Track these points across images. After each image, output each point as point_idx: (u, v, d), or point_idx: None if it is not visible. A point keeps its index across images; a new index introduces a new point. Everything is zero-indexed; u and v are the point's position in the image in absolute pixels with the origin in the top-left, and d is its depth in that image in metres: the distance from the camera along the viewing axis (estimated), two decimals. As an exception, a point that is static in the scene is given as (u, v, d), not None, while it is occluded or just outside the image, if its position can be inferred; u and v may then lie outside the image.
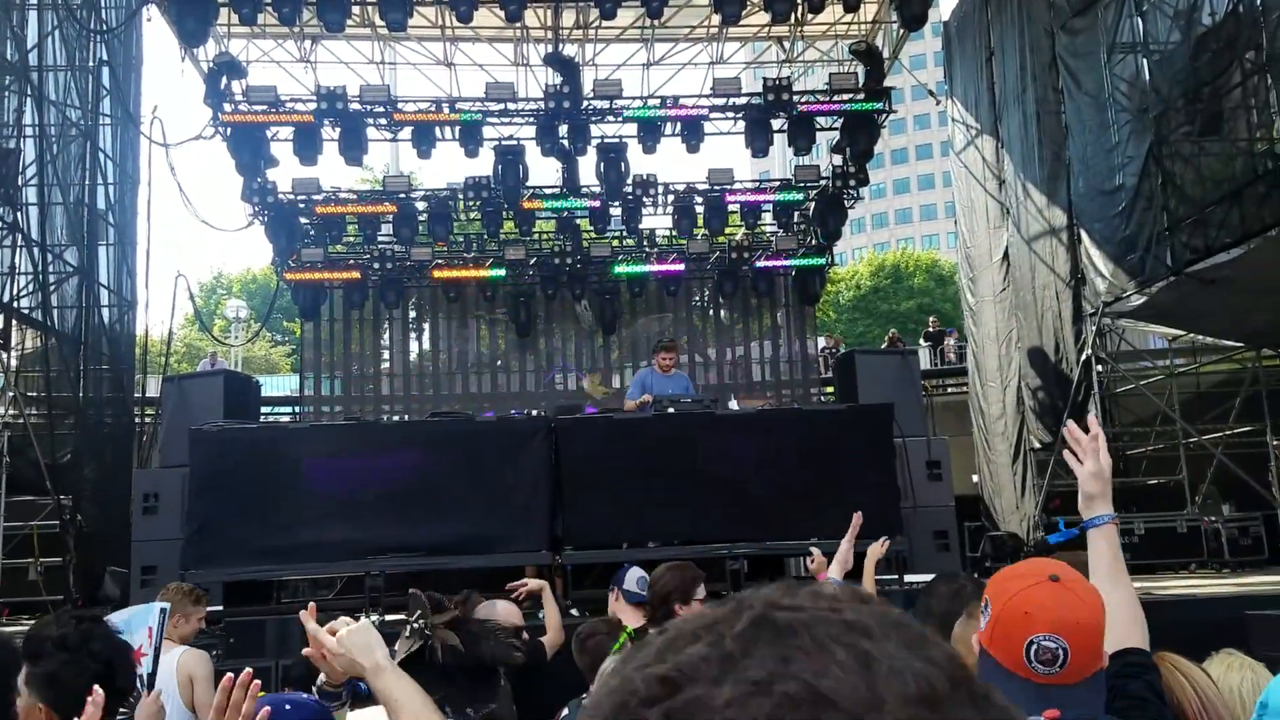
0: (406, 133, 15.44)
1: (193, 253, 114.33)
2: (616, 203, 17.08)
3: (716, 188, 17.06)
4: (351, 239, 18.04)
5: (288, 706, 2.33)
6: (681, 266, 17.76)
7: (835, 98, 15.75)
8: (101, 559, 11.76)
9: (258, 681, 2.02)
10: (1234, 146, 11.38)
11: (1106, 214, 13.02)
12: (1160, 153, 11.65)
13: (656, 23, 16.63)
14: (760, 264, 18.00)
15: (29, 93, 12.55)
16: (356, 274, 17.39)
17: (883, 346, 25.04)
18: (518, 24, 16.23)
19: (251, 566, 8.41)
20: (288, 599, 10.10)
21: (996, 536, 15.69)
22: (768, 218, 18.28)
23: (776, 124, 15.89)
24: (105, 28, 13.84)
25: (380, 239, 17.51)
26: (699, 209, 17.23)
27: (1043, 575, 1.83)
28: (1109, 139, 12.94)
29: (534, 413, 10.28)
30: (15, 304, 12.50)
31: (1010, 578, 1.90)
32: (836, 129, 16.34)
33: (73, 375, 12.91)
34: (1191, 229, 11.21)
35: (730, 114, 15.86)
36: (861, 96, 15.71)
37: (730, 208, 17.43)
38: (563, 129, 15.44)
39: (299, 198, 16.73)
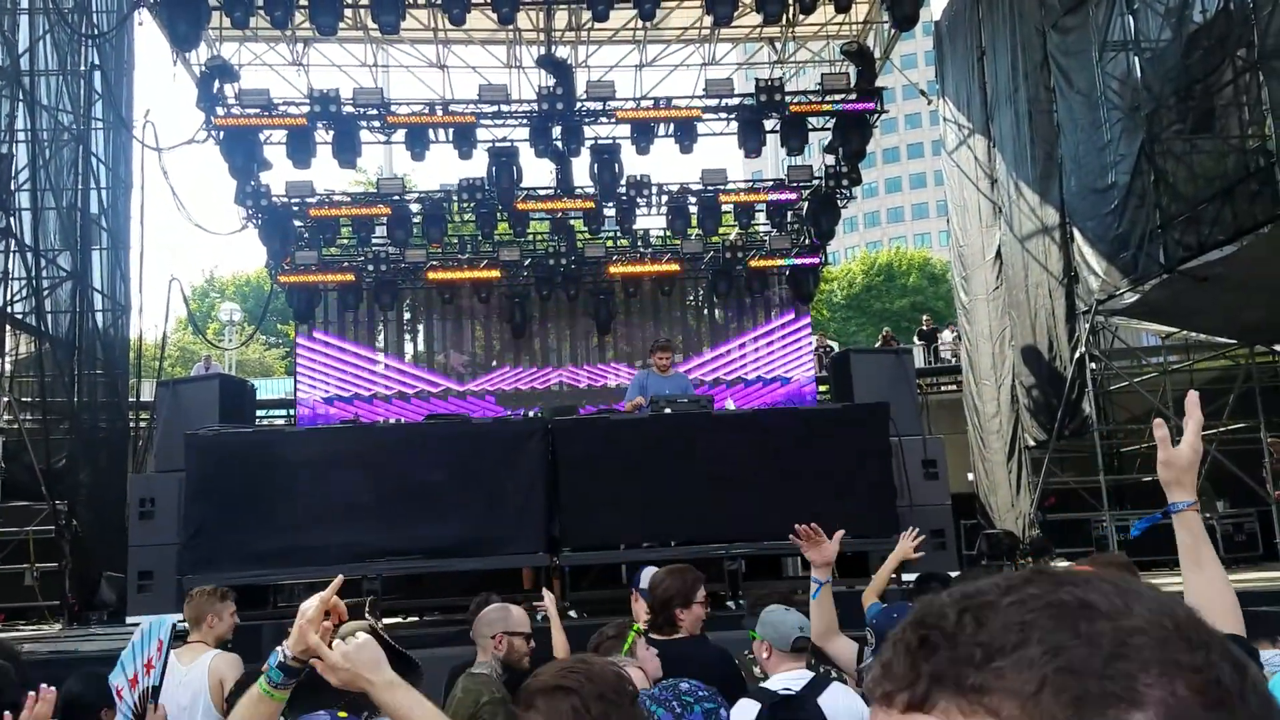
0: (400, 135, 15.44)
1: (185, 256, 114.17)
2: (610, 203, 17.09)
3: (710, 188, 17.08)
4: (345, 241, 18.03)
5: None
6: (676, 266, 17.78)
7: (827, 98, 15.78)
8: (97, 564, 11.75)
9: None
10: (1226, 144, 11.43)
11: (1099, 212, 13.06)
12: (1152, 150, 11.69)
13: (649, 24, 16.64)
14: (754, 263, 18.03)
15: (21, 97, 12.53)
16: (351, 276, 17.38)
17: (877, 345, 25.09)
18: (510, 26, 16.24)
19: (248, 571, 8.40)
20: (284, 603, 10.09)
21: (992, 534, 15.73)
22: (761, 217, 18.32)
23: (769, 124, 15.91)
24: (97, 32, 13.83)
25: (374, 241, 17.50)
26: (693, 209, 17.25)
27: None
28: (1101, 137, 12.98)
29: (531, 414, 10.27)
30: (9, 309, 12.48)
31: None
32: (829, 129, 16.37)
33: (67, 380, 12.90)
34: (1184, 226, 11.25)
35: (723, 115, 15.89)
36: (853, 97, 15.73)
37: (724, 208, 17.45)
38: (556, 130, 15.44)
39: (293, 201, 16.72)
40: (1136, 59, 12.35)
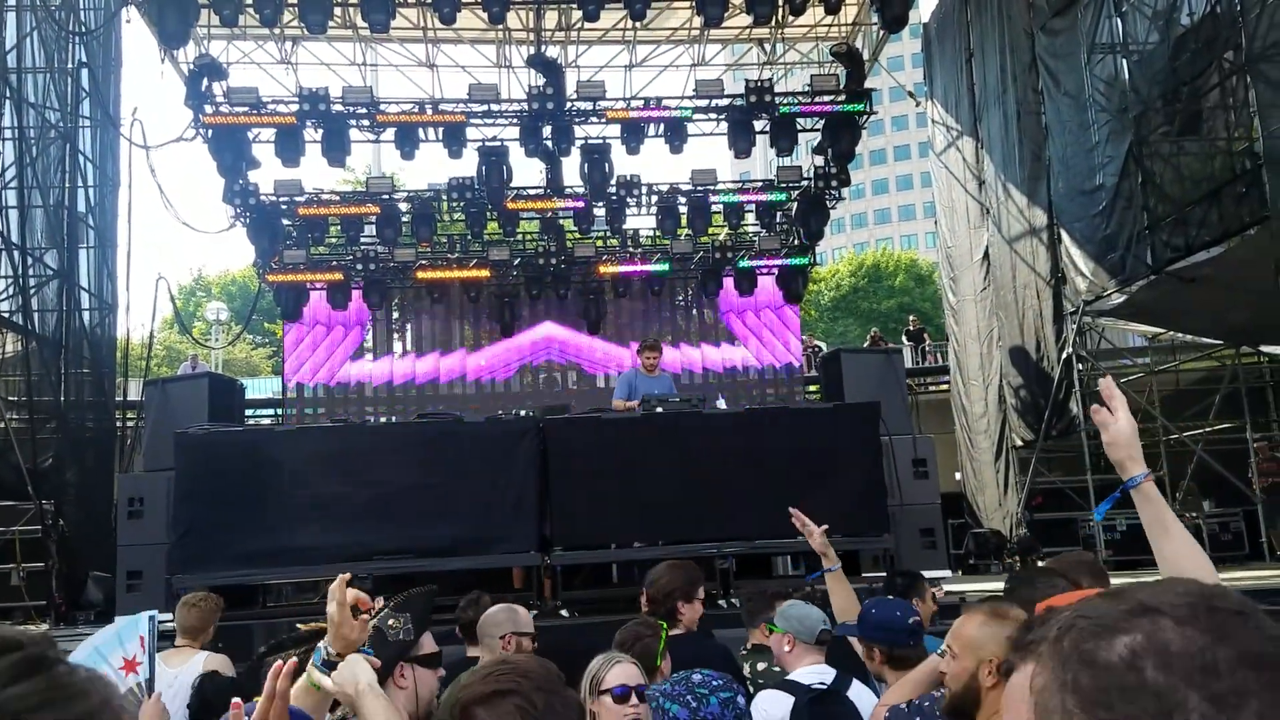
0: (389, 134, 15.40)
1: (171, 255, 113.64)
2: (600, 203, 17.09)
3: (699, 188, 17.10)
4: (334, 240, 17.97)
5: None
6: (666, 266, 17.79)
7: (816, 99, 15.81)
8: (83, 564, 11.69)
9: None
10: (1213, 146, 11.51)
11: (1087, 213, 13.13)
12: (1140, 152, 11.76)
13: (639, 25, 16.66)
14: (743, 264, 18.05)
15: (8, 95, 12.46)
16: (339, 275, 17.32)
17: (865, 345, 25.17)
18: (500, 26, 16.22)
19: (238, 571, 8.36)
20: (273, 603, 10.06)
21: (980, 533, 15.81)
22: (750, 218, 18.34)
23: (758, 125, 15.94)
24: (84, 29, 13.76)
25: (363, 240, 17.45)
26: (682, 209, 17.26)
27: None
28: (1089, 139, 13.05)
29: (522, 413, 10.25)
30: (-4, 308, 12.42)
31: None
32: (818, 130, 16.41)
33: (54, 379, 12.83)
34: (1171, 228, 11.32)
35: (713, 115, 15.91)
36: (842, 98, 15.77)
37: (713, 208, 17.47)
38: (546, 130, 15.44)
39: (281, 199, 16.66)
40: (1124, 61, 12.42)
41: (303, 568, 8.62)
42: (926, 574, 5.97)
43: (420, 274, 17.35)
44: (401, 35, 17.73)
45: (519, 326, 18.31)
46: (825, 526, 4.29)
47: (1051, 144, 14.10)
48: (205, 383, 11.26)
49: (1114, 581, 2.29)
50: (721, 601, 8.24)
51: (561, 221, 17.71)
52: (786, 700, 3.47)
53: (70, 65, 13.78)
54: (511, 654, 2.61)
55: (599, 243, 18.55)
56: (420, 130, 15.32)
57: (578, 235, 18.15)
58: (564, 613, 8.26)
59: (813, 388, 18.64)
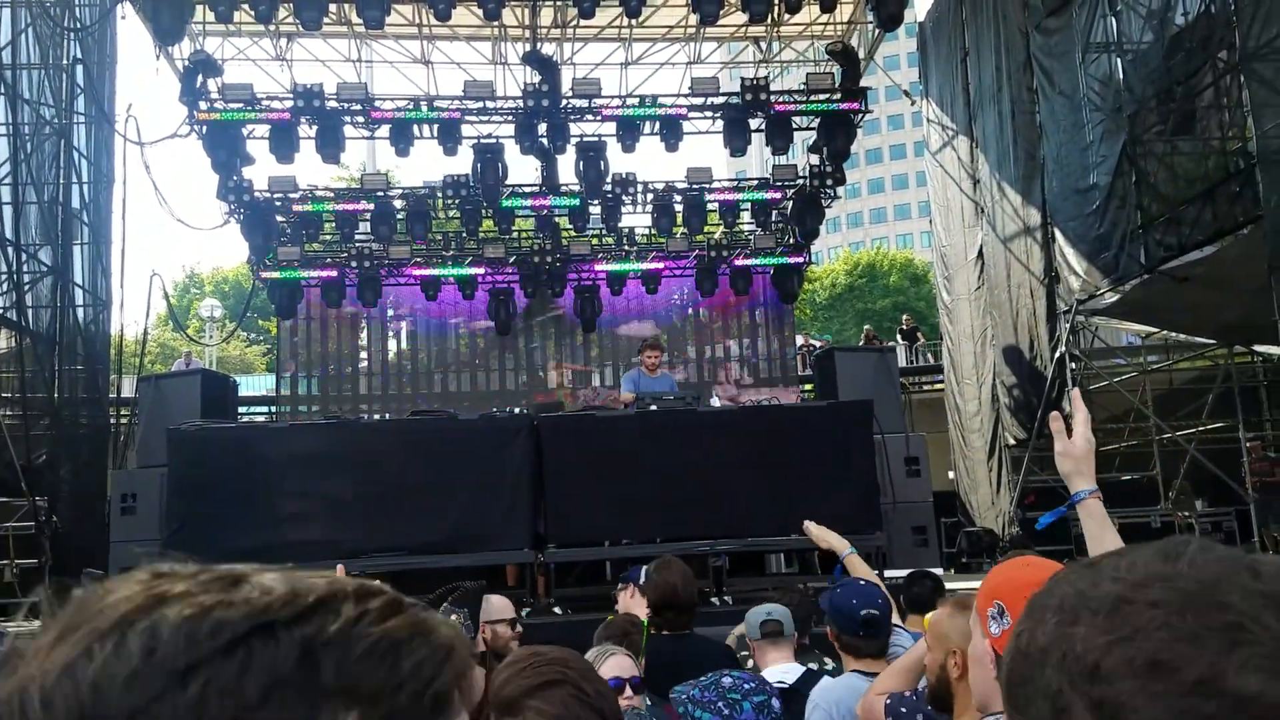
0: (384, 131, 15.38)
1: (164, 252, 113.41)
2: (596, 201, 17.09)
3: (695, 186, 17.10)
4: (329, 237, 17.95)
5: None
6: (661, 265, 17.80)
7: (812, 98, 15.82)
8: (77, 560, 11.66)
9: None
10: (1207, 145, 11.54)
11: (1080, 212, 13.16)
12: (1134, 152, 11.79)
13: (635, 22, 16.65)
14: (739, 262, 18.06)
15: (2, 91, 12.43)
16: (334, 272, 17.30)
17: (860, 344, 25.23)
18: (496, 22, 16.21)
19: (230, 567, 8.36)
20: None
21: (972, 532, 15.83)
22: (746, 216, 18.34)
23: (754, 124, 15.94)
24: (79, 25, 13.73)
25: (358, 237, 17.43)
26: (678, 208, 17.25)
27: (1051, 570, 1.81)
28: (1083, 138, 13.07)
29: (516, 411, 10.26)
30: (-11, 304, 12.41)
31: (1024, 583, 1.84)
32: (813, 129, 16.42)
33: (47, 375, 12.81)
34: (1164, 227, 11.35)
35: (708, 113, 15.91)
36: (838, 97, 15.78)
37: (709, 206, 17.47)
38: (542, 127, 15.42)
39: (275, 196, 16.63)
40: (1119, 60, 12.45)
41: (295, 564, 8.59)
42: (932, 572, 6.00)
43: (415, 271, 17.34)
44: (396, 32, 17.70)
45: (514, 325, 18.30)
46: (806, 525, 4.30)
47: (1046, 143, 14.12)
48: (198, 379, 11.28)
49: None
50: (715, 599, 8.26)
51: (557, 219, 17.70)
52: None
53: (65, 61, 13.76)
54: (536, 646, 2.59)
55: (594, 241, 18.54)
56: (415, 127, 15.30)
57: (573, 233, 18.14)
58: (557, 610, 8.27)
59: (807, 386, 18.66)
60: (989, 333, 16.30)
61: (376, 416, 17.43)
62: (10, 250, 12.32)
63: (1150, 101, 11.69)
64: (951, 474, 17.91)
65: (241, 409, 17.16)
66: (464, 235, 18.27)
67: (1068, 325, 13.84)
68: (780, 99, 15.78)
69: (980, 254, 16.47)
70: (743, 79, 16.07)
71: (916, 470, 9.77)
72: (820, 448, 8.93)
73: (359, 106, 15.11)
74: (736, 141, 15.76)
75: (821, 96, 15.72)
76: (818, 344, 23.53)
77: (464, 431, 9.14)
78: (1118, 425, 15.57)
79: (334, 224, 17.28)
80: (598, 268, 17.73)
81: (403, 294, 18.49)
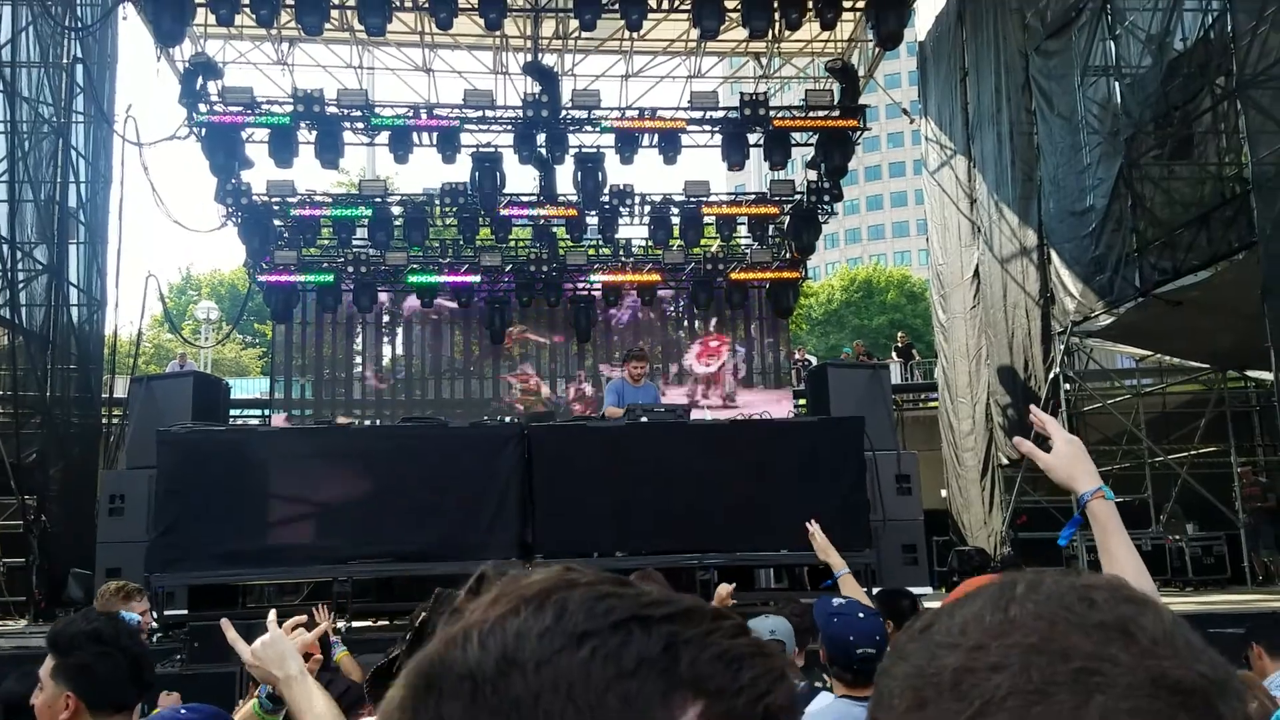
0: (383, 137, 15.40)
1: (160, 254, 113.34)
2: (593, 212, 17.11)
3: (692, 199, 17.13)
4: (326, 242, 17.96)
5: (182, 711, 2.54)
6: (657, 277, 17.82)
7: (810, 114, 15.86)
8: (66, 560, 11.62)
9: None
10: (1203, 170, 11.57)
11: (1076, 235, 13.18)
12: (1130, 175, 11.81)
13: (635, 35, 16.70)
14: (734, 276, 18.09)
15: (1, 88, 12.43)
16: (330, 277, 17.30)
17: (843, 357, 25.30)
18: (497, 32, 16.25)
19: (218, 570, 8.34)
20: (253, 603, 10.02)
21: (964, 551, 15.73)
22: (743, 230, 18.37)
23: (753, 138, 15.98)
24: (80, 25, 13.73)
25: (355, 243, 17.44)
26: (675, 220, 17.29)
27: None
28: (1080, 161, 13.10)
29: (507, 419, 10.25)
30: (-17, 301, 12.38)
31: None
32: (811, 144, 16.46)
33: (40, 374, 12.77)
34: (1160, 251, 11.37)
35: (707, 127, 15.94)
36: (837, 114, 15.82)
37: (706, 220, 17.50)
38: (541, 137, 15.45)
39: (273, 200, 16.64)
40: (1117, 84, 12.49)
41: (283, 568, 8.60)
42: (910, 591, 5.98)
43: (411, 278, 17.34)
44: (398, 39, 17.74)
45: (509, 333, 18.31)
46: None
47: (1043, 165, 14.15)
48: (190, 381, 11.26)
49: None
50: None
51: (554, 229, 17.72)
52: None
53: (65, 60, 13.76)
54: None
55: (591, 251, 18.56)
56: (414, 134, 15.33)
57: (570, 243, 18.17)
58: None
59: (800, 401, 18.65)
60: (984, 352, 16.31)
61: (369, 422, 17.41)
62: (5, 248, 12.30)
63: (1148, 125, 11.72)
64: (944, 492, 17.89)
65: (235, 412, 17.15)
66: (461, 243, 18.28)
67: (1062, 347, 13.85)
68: (779, 114, 15.82)
69: (976, 273, 16.49)
70: (742, 94, 16.12)
71: (908, 488, 9.75)
72: (811, 463, 8.92)
73: (359, 112, 15.13)
74: (735, 156, 15.80)
75: (820, 113, 15.77)
76: (813, 360, 23.55)
77: (454, 439, 9.12)
78: (1110, 448, 15.57)
79: (331, 229, 17.29)
80: (594, 278, 17.74)
81: (398, 300, 18.50)
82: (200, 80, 14.61)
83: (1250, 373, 15.33)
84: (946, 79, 17.50)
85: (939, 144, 18.00)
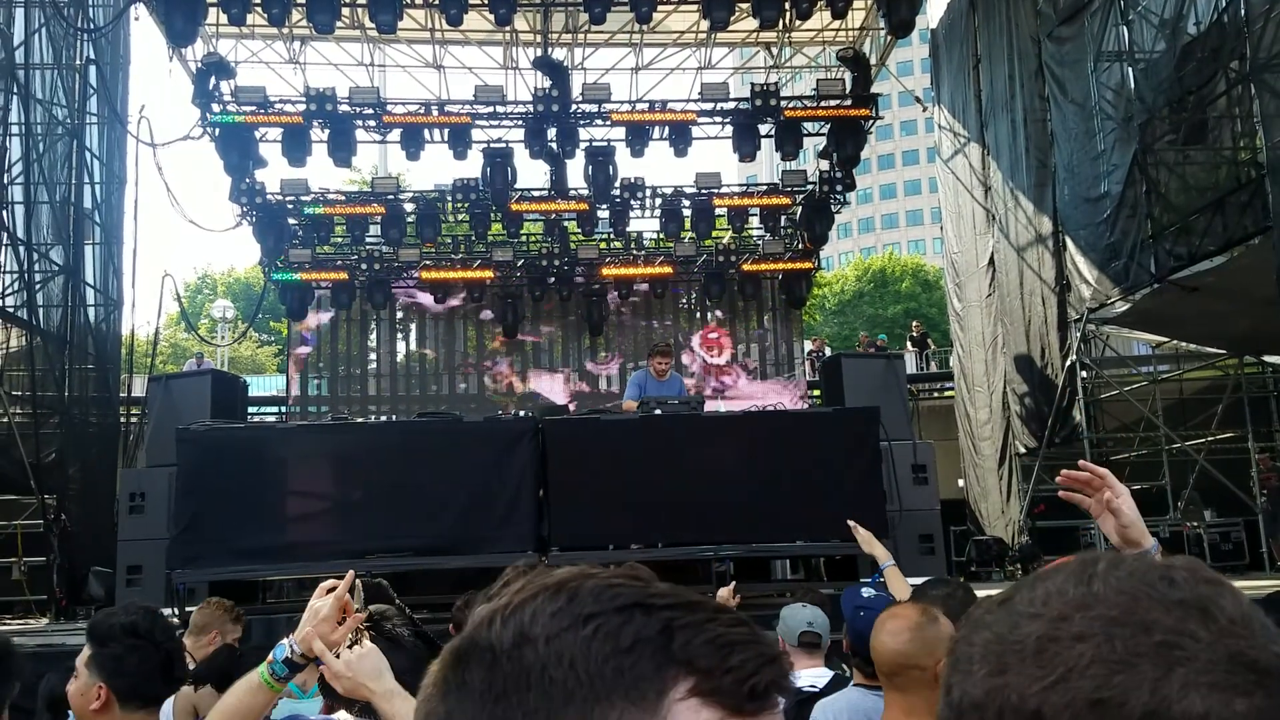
0: (395, 134, 15.44)
1: (176, 253, 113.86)
2: (604, 205, 17.11)
3: (704, 191, 17.10)
4: (339, 240, 18.02)
5: None
6: (669, 269, 17.80)
7: (822, 104, 15.81)
8: (85, 559, 11.72)
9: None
10: (1218, 155, 11.49)
11: (1091, 221, 13.11)
12: (1145, 161, 11.74)
13: (645, 27, 16.68)
14: (747, 267, 18.06)
15: (15, 91, 12.50)
16: (344, 275, 17.37)
17: (857, 349, 25.25)
18: (507, 28, 16.25)
19: (238, 566, 8.39)
20: (273, 599, 10.09)
21: (982, 541, 15.77)
22: (755, 221, 18.33)
23: (764, 129, 15.94)
24: (93, 26, 13.80)
25: (368, 240, 17.50)
26: (686, 212, 17.27)
27: None
28: (1094, 147, 13.03)
29: (521, 413, 10.27)
30: (0, 303, 12.46)
31: None
32: (823, 134, 16.40)
33: (58, 374, 12.86)
34: (1175, 237, 11.30)
35: (718, 119, 15.92)
36: (848, 103, 15.77)
37: (717, 211, 17.47)
38: (551, 132, 15.46)
39: (287, 198, 16.71)
40: (1130, 69, 12.40)
41: (302, 564, 8.65)
42: (925, 579, 5.97)
43: (424, 274, 17.38)
44: (409, 36, 17.77)
45: (522, 328, 18.34)
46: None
47: (1057, 151, 14.07)
48: (208, 379, 11.31)
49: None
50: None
51: (565, 223, 17.74)
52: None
53: (78, 62, 13.84)
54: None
55: (602, 245, 18.56)
56: (426, 131, 15.35)
57: (581, 237, 18.18)
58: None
59: (815, 392, 18.63)
60: (1000, 340, 16.25)
61: (384, 418, 17.49)
62: (22, 249, 12.39)
63: (1162, 111, 11.64)
64: (961, 482, 17.85)
65: (252, 409, 17.23)
66: (473, 238, 18.32)
67: (1079, 334, 13.79)
68: (790, 104, 15.78)
69: (991, 261, 16.42)
70: (753, 84, 16.09)
71: (924, 478, 9.72)
72: (826, 454, 8.90)
73: (371, 110, 15.17)
74: (746, 147, 15.77)
75: (832, 102, 15.71)
76: (829, 351, 23.50)
77: (469, 433, 9.16)
78: (1127, 434, 15.51)
79: (345, 226, 17.35)
80: (605, 272, 17.74)
81: (412, 296, 18.56)
82: (213, 80, 14.67)
83: (1267, 358, 15.24)
84: (959, 66, 17.42)
85: (952, 131, 17.92)
